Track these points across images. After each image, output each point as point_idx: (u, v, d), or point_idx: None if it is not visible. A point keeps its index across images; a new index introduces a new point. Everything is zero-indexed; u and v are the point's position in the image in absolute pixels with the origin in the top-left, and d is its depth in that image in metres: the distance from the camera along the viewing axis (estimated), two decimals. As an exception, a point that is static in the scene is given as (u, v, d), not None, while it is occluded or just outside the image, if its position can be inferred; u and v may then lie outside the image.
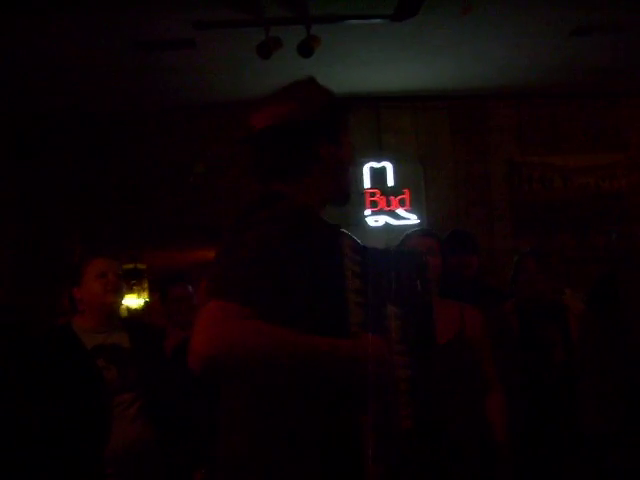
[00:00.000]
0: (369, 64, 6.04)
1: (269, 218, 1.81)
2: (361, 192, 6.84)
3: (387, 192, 6.85)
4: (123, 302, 3.82)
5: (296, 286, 1.74)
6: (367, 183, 6.87)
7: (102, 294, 3.46)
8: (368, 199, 6.81)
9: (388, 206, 6.82)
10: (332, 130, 2.05)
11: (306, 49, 5.00)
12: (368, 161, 6.88)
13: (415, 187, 6.92)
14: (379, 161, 6.89)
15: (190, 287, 4.68)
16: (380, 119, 6.99)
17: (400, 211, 6.81)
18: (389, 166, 6.89)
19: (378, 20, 5.00)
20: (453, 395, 3.11)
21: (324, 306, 1.80)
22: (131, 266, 7.32)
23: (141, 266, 7.64)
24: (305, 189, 2.00)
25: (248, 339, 1.63)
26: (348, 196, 2.16)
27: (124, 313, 6.90)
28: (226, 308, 1.64)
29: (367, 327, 1.83)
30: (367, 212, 6.81)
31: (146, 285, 8.05)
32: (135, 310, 7.76)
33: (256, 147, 2.06)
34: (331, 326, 1.77)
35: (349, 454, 1.76)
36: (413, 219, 6.79)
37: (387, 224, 6.79)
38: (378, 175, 6.87)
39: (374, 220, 6.81)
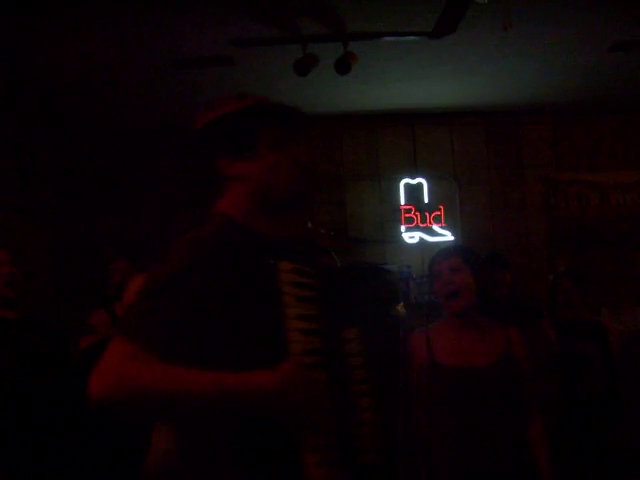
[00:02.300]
0: (405, 81, 6.05)
1: (186, 246, 1.68)
2: (396, 208, 6.85)
3: (422, 209, 6.84)
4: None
5: (209, 321, 1.59)
6: (402, 200, 6.87)
7: None
8: (403, 215, 6.81)
9: (423, 222, 6.81)
10: (237, 144, 1.80)
11: (343, 66, 5.01)
12: (404, 177, 6.89)
13: (450, 204, 6.91)
14: (414, 178, 6.89)
15: None
16: (416, 136, 6.99)
17: (435, 227, 6.80)
18: (424, 183, 6.89)
19: (415, 37, 5.00)
20: (499, 418, 3.01)
21: (248, 338, 1.63)
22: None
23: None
24: (231, 205, 1.80)
25: (139, 381, 1.50)
26: (295, 203, 1.89)
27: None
28: (124, 348, 1.53)
29: (323, 354, 1.67)
30: (402, 228, 6.81)
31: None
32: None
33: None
34: (258, 359, 1.60)
35: None
36: (448, 236, 6.78)
37: (422, 240, 6.77)
38: (413, 192, 6.87)
39: (409, 236, 6.80)
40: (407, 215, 6.82)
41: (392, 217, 6.83)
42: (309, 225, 6.61)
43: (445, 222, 6.82)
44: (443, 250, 3.39)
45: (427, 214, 6.82)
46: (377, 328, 1.84)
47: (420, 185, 6.88)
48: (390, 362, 1.85)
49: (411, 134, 6.99)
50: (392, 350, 1.86)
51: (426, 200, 6.86)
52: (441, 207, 6.85)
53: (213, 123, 1.79)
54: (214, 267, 1.62)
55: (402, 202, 6.88)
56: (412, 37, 5.00)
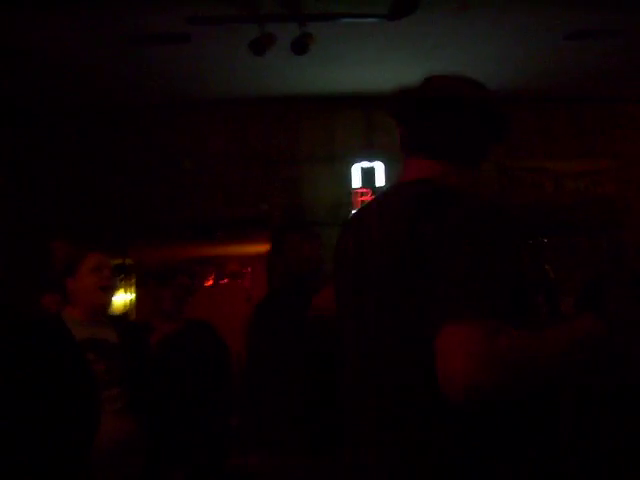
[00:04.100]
0: (362, 63, 6.02)
1: (470, 213, 1.63)
2: (351, 192, 6.83)
3: (377, 192, 6.82)
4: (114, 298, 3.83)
5: (510, 284, 1.57)
6: (357, 183, 6.86)
7: (96, 290, 3.47)
8: (358, 198, 6.80)
9: (378, 206, 6.79)
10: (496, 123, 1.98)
11: (300, 46, 4.98)
12: (358, 161, 6.87)
13: (405, 188, 6.89)
14: (370, 161, 6.87)
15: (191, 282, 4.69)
16: (371, 119, 6.97)
17: (390, 211, 6.78)
18: (379, 166, 6.87)
19: (373, 19, 4.98)
20: None
21: (526, 296, 1.67)
22: (119, 261, 7.28)
23: (129, 261, 7.61)
24: (460, 173, 1.89)
25: (518, 355, 1.46)
26: None
27: (117, 309, 6.89)
28: (479, 327, 1.45)
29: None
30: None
31: (133, 281, 8.02)
32: (122, 306, 7.73)
33: (426, 116, 1.95)
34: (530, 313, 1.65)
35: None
36: (402, 220, 6.77)
37: (376, 224, 6.75)
38: (368, 175, 6.85)
39: (363, 220, 6.78)
40: (362, 198, 6.80)
41: (347, 200, 6.81)
42: (264, 207, 6.62)
43: (400, 206, 6.80)
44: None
45: (382, 198, 6.81)
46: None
47: (374, 168, 6.87)
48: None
49: (367, 117, 6.98)
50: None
51: (381, 183, 6.85)
52: (396, 191, 6.83)
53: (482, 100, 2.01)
54: (507, 231, 1.64)
55: (357, 185, 6.86)
56: (370, 19, 4.98)
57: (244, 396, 3.71)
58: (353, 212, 6.78)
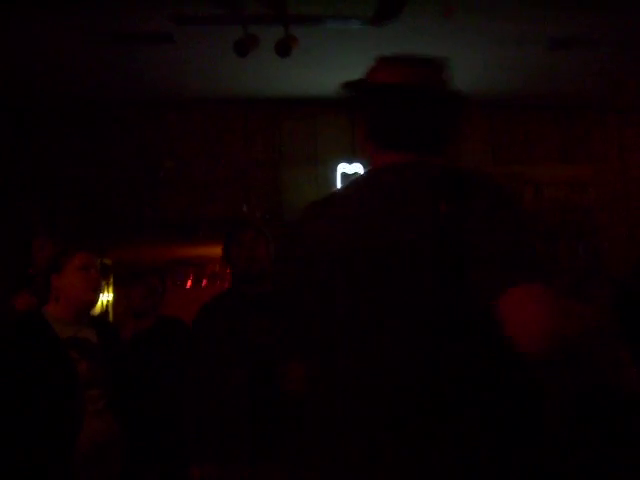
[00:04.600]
0: (346, 67, 5.98)
1: (496, 192, 1.81)
2: (333, 195, 6.82)
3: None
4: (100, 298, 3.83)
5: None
6: (339, 185, 6.86)
7: (83, 289, 3.46)
8: (340, 202, 6.78)
9: (359, 209, 6.78)
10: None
11: (284, 49, 4.96)
12: (340, 163, 6.87)
13: (387, 192, 6.89)
14: (351, 163, 6.88)
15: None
16: (354, 122, 6.98)
17: (371, 215, 6.78)
18: (361, 169, 6.88)
19: (357, 23, 4.98)
20: None
21: None
22: (99, 261, 7.23)
23: (107, 261, 7.57)
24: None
25: (577, 317, 1.70)
26: None
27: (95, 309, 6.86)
28: (549, 290, 1.59)
29: None
30: (338, 215, 6.77)
31: (111, 281, 7.98)
32: (100, 306, 7.69)
33: (389, 105, 1.96)
34: None
35: None
36: (383, 224, 6.77)
37: (357, 228, 6.75)
38: (350, 178, 6.86)
39: (344, 223, 6.77)
40: (343, 201, 6.80)
41: (328, 203, 6.80)
42: (244, 208, 6.60)
43: (381, 210, 6.80)
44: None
45: (363, 201, 6.80)
46: None
47: (357, 172, 6.88)
48: None
49: (350, 121, 6.98)
50: None
51: (363, 187, 6.85)
52: (377, 195, 6.83)
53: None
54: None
55: (339, 188, 6.87)
56: (354, 23, 4.99)
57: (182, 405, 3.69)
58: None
